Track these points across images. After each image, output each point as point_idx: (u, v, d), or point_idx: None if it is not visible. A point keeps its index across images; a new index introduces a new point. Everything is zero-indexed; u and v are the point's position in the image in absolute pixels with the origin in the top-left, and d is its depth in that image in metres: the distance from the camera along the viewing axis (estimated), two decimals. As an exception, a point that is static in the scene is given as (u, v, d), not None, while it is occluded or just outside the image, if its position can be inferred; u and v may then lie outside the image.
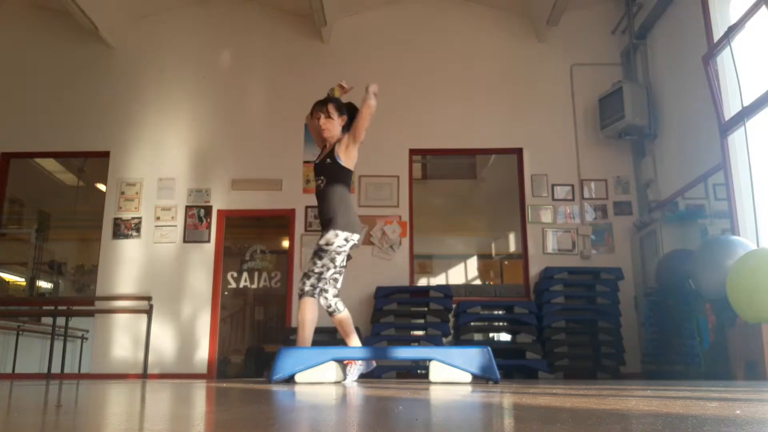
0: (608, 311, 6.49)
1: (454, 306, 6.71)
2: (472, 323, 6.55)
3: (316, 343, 6.46)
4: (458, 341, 6.51)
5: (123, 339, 7.00)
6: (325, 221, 3.83)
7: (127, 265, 7.18)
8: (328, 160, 3.89)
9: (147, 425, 1.17)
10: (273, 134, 7.50)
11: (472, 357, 3.35)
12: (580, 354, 6.55)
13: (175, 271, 7.13)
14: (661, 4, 6.72)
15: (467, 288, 8.33)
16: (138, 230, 7.25)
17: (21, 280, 9.18)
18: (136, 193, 7.36)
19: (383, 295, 6.66)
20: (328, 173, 3.88)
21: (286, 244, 7.59)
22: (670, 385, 3.04)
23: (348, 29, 7.76)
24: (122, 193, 7.37)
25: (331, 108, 3.90)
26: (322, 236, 3.80)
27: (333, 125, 3.90)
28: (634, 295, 6.83)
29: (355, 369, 3.75)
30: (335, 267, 3.79)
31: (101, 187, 7.73)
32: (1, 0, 7.82)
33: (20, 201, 8.81)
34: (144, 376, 6.80)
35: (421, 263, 8.19)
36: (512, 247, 8.40)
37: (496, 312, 7.03)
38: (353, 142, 3.84)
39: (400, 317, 6.68)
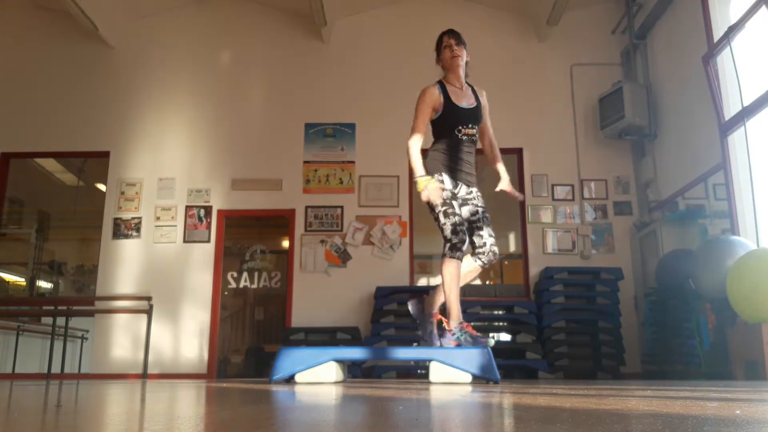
0: (608, 311, 6.49)
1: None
2: (472, 323, 6.53)
3: (316, 343, 6.50)
4: (458, 341, 6.50)
5: (123, 339, 7.00)
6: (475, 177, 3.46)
7: (127, 265, 7.18)
8: (480, 105, 3.41)
9: (147, 425, 1.17)
10: (273, 134, 7.50)
11: (472, 357, 3.35)
12: (580, 354, 6.55)
13: (175, 271, 7.13)
14: (661, 4, 6.72)
15: (467, 288, 8.30)
16: (138, 230, 7.25)
17: (21, 280, 9.18)
18: (136, 193, 7.36)
19: (383, 295, 6.65)
20: (479, 121, 3.41)
21: (286, 244, 7.60)
22: (670, 385, 3.04)
23: (348, 29, 7.76)
24: (122, 193, 7.37)
25: (460, 35, 3.41)
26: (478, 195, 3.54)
27: (464, 53, 3.44)
28: (634, 295, 6.83)
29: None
30: None
31: (101, 187, 7.73)
32: (1, 0, 7.82)
33: (20, 201, 8.81)
34: (144, 376, 6.79)
35: (422, 263, 8.17)
36: (512, 247, 8.39)
37: (496, 312, 7.03)
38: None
39: (400, 317, 6.67)
